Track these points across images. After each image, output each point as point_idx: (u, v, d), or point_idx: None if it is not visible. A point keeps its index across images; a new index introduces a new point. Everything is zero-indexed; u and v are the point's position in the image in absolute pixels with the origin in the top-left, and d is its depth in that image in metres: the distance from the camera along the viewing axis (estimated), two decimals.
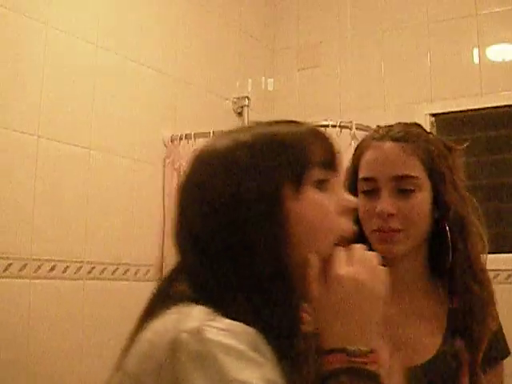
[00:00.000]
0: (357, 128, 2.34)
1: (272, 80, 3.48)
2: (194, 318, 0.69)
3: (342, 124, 2.39)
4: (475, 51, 2.94)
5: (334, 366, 0.73)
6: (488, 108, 2.89)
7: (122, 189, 2.43)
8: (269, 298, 0.75)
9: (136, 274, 2.45)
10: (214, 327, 0.68)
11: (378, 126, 1.23)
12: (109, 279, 2.33)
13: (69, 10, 2.25)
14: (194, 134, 2.61)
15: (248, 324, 0.70)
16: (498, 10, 2.92)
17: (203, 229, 0.77)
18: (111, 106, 2.42)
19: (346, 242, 0.81)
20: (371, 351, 0.74)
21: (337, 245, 0.80)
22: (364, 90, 3.21)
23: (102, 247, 2.31)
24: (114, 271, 2.36)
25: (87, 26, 2.32)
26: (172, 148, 2.63)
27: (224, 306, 0.72)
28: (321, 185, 0.80)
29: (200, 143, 2.79)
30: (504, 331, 1.21)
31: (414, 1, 3.15)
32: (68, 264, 2.18)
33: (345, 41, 3.31)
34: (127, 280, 2.41)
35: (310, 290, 0.77)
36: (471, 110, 2.94)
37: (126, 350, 0.74)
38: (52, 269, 2.12)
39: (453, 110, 2.99)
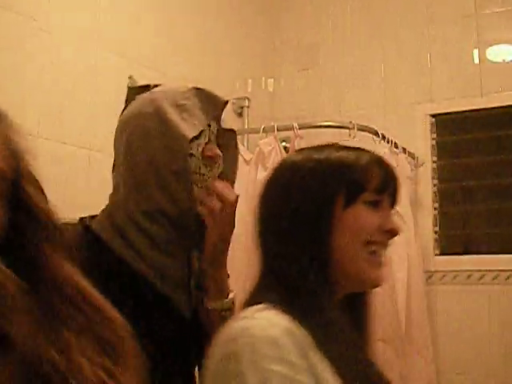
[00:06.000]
0: (357, 128, 2.34)
1: (272, 80, 3.48)
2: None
3: (341, 124, 2.39)
4: (475, 51, 2.94)
5: None
6: (488, 108, 2.88)
7: None
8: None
9: None
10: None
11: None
12: None
13: (69, 10, 2.25)
14: None
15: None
16: (498, 10, 2.92)
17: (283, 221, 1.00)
18: (111, 106, 2.41)
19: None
20: None
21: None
22: (364, 90, 3.21)
23: None
24: None
25: (87, 26, 2.32)
26: None
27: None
28: (374, 204, 1.00)
29: None
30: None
31: (414, 1, 3.15)
32: None
33: (345, 41, 3.31)
34: None
35: None
36: (471, 111, 2.93)
37: None
38: None
39: (453, 110, 2.98)
